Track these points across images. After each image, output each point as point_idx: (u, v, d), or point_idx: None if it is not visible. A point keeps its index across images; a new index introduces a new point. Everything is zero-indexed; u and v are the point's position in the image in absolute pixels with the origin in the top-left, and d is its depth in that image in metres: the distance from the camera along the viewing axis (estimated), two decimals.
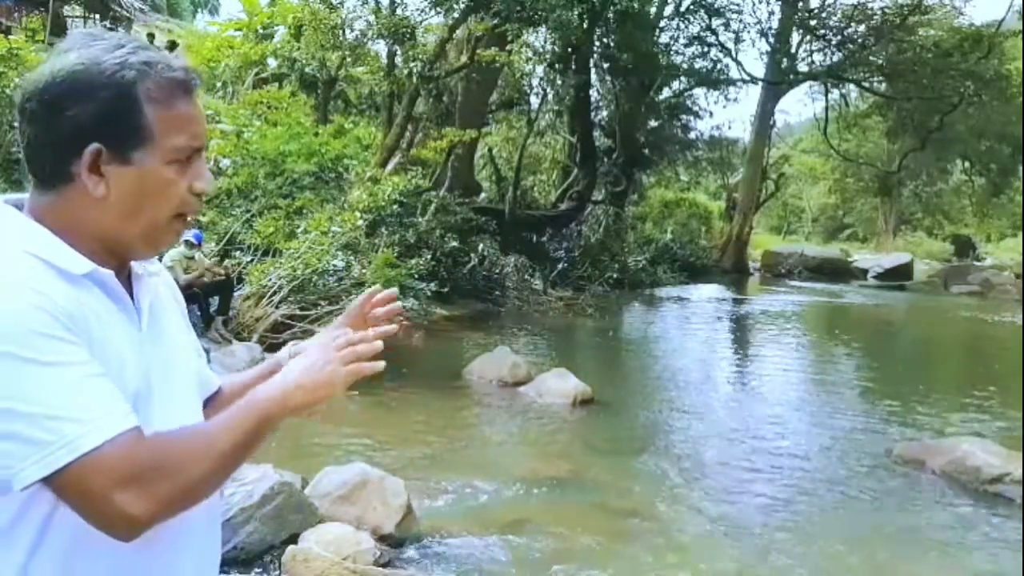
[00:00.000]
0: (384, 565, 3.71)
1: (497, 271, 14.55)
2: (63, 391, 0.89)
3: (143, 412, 0.99)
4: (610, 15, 16.96)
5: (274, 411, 1.01)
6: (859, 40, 23.30)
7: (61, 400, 0.89)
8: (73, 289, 0.97)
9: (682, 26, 22.41)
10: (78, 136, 0.98)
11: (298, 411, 1.04)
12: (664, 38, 22.09)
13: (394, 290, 1.19)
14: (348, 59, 15.74)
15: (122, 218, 1.02)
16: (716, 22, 22.18)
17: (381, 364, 1.07)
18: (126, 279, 1.07)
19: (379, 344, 1.08)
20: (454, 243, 13.02)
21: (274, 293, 8.74)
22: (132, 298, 1.07)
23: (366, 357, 1.06)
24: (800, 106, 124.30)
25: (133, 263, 1.09)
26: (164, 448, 0.94)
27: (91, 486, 0.88)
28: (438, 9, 14.58)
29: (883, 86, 26.71)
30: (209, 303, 8.41)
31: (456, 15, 14.18)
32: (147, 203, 1.01)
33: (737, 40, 22.85)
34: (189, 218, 1.08)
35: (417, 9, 14.95)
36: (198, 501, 0.97)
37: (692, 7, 22.12)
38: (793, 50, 25.89)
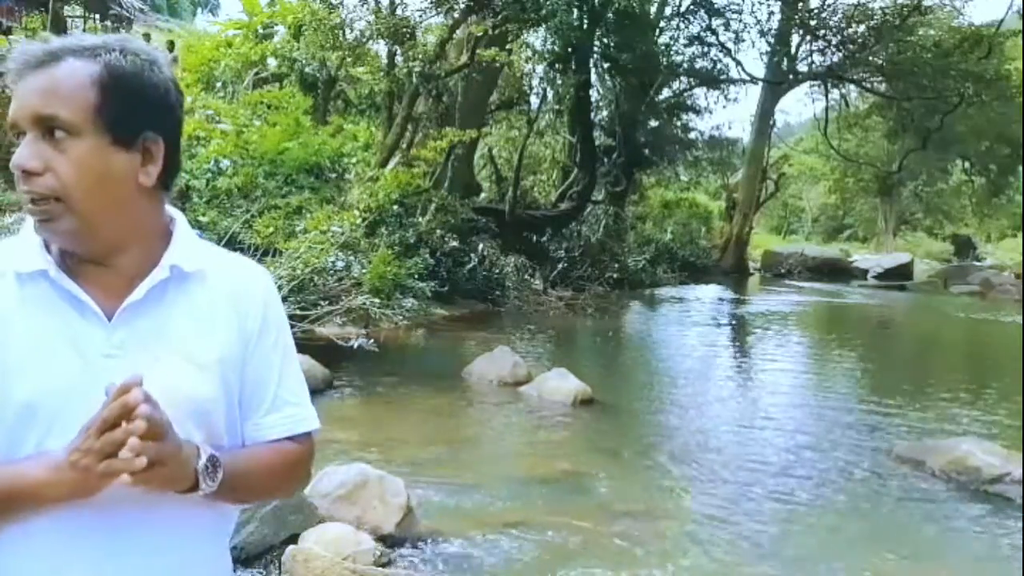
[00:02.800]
0: (384, 565, 3.71)
1: (497, 271, 14.54)
2: None
3: (45, 427, 0.94)
4: (610, 15, 16.96)
5: (22, 492, 0.93)
6: (859, 40, 23.26)
7: None
8: (14, 287, 0.99)
9: (682, 26, 22.41)
10: None
11: (47, 503, 0.93)
12: (664, 38, 22.09)
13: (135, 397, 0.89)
14: (348, 59, 15.73)
15: None
16: (716, 22, 22.16)
17: (141, 461, 0.88)
18: (130, 275, 1.03)
19: (140, 426, 0.87)
20: (454, 243, 13.02)
21: None
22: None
23: (118, 446, 0.88)
24: (800, 106, 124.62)
25: (166, 260, 1.04)
26: None
27: None
28: (438, 9, 14.57)
29: (883, 86, 26.67)
30: None
31: (456, 15, 14.18)
32: None
33: (737, 40, 22.82)
34: (34, 201, 0.97)
35: (417, 9, 14.97)
36: None
37: (692, 7, 22.11)
38: (793, 50, 25.88)
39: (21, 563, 0.97)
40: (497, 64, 14.71)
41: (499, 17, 13.61)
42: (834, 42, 23.89)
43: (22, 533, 0.97)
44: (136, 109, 1.00)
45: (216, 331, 1.05)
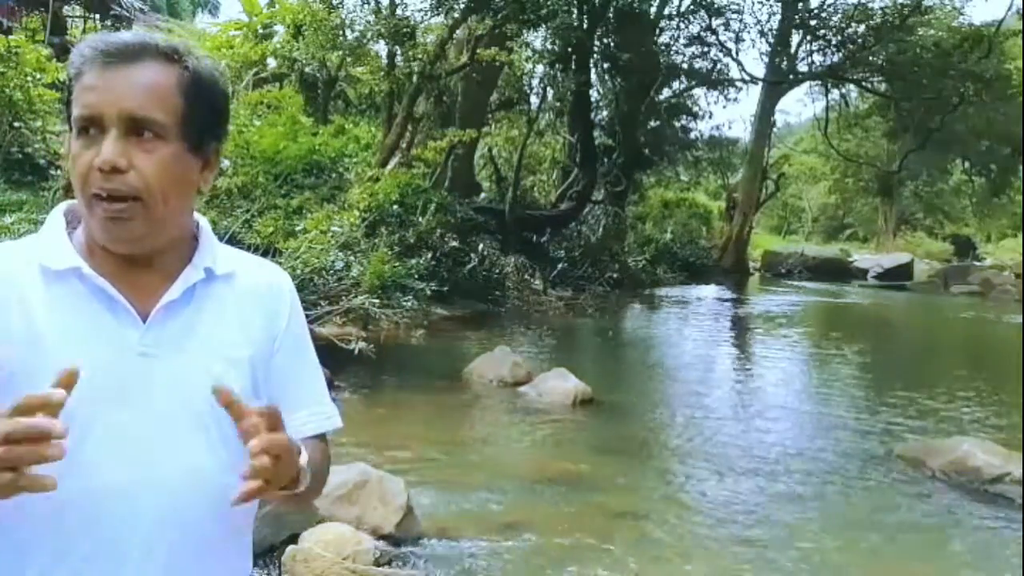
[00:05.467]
0: (384, 565, 3.71)
1: (497, 271, 14.53)
2: None
3: (81, 428, 0.88)
4: (610, 15, 16.96)
5: None
6: (859, 40, 23.28)
7: None
8: (40, 283, 0.97)
9: (682, 26, 22.44)
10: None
11: None
12: (664, 38, 22.11)
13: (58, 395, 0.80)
14: (348, 59, 15.73)
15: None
16: (716, 22, 22.19)
17: (52, 481, 0.79)
18: (164, 275, 1.02)
19: (53, 454, 0.77)
20: (454, 243, 13.01)
21: None
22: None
23: (27, 462, 0.77)
24: (800, 106, 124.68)
25: (199, 261, 1.04)
26: None
27: None
28: (438, 9, 14.58)
29: (883, 86, 26.70)
30: None
31: (456, 15, 14.18)
32: (73, 180, 0.98)
33: (737, 40, 22.88)
34: (104, 197, 0.94)
35: (417, 9, 14.97)
36: None
37: (692, 7, 22.13)
38: (793, 50, 25.90)
39: None
40: (497, 64, 14.71)
41: (499, 17, 13.60)
42: (834, 42, 23.93)
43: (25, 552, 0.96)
44: (212, 118, 1.04)
45: (244, 329, 1.06)
